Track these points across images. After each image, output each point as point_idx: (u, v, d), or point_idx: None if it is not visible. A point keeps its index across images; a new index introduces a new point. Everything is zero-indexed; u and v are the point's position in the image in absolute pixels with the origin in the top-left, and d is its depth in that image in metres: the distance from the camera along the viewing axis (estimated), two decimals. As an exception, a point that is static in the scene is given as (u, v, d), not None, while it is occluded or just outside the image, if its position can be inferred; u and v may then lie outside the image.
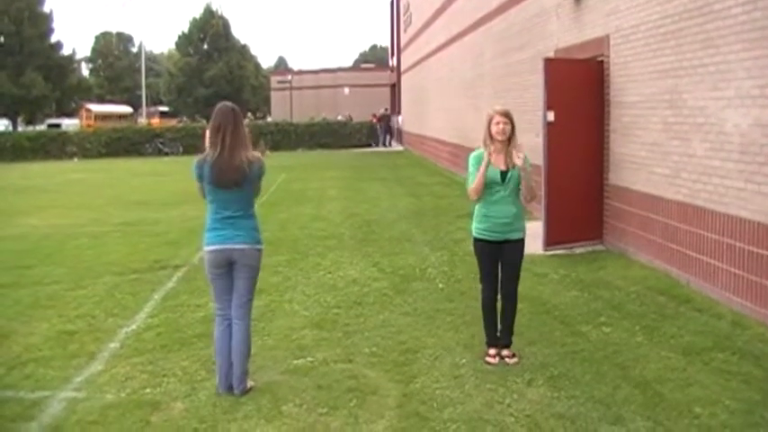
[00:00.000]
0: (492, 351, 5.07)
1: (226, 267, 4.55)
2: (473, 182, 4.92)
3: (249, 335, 4.66)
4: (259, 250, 4.63)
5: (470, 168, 4.98)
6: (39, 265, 8.66)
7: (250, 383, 4.62)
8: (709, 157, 6.61)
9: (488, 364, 4.97)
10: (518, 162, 4.81)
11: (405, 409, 4.27)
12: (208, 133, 4.52)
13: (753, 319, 5.79)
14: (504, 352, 5.07)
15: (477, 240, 5.08)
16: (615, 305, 6.36)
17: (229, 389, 4.56)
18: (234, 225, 4.50)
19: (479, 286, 5.19)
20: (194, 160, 4.53)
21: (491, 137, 4.91)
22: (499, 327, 5.12)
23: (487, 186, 4.90)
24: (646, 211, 7.88)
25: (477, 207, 5.06)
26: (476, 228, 5.07)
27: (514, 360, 5.00)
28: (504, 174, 4.90)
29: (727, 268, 6.32)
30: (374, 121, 38.20)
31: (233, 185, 4.44)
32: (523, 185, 4.93)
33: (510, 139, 4.90)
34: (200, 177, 4.49)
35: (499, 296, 5.12)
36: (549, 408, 4.24)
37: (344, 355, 5.25)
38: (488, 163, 4.83)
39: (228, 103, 4.63)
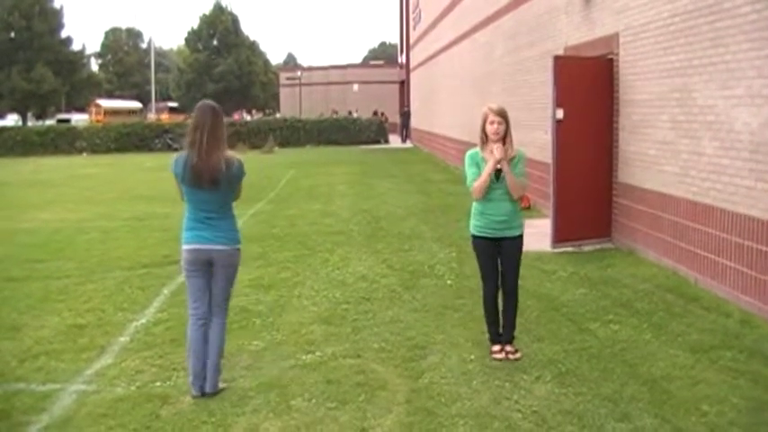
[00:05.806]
0: (496, 348, 5.11)
1: (204, 266, 4.50)
2: (472, 181, 4.94)
3: (224, 334, 4.63)
4: (238, 250, 4.58)
5: (467, 168, 5.01)
6: (49, 260, 8.73)
7: (222, 384, 4.56)
8: (718, 156, 6.60)
9: (495, 359, 5.00)
10: (506, 154, 4.84)
11: (413, 405, 4.29)
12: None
13: (761, 318, 5.79)
14: (507, 348, 5.08)
15: (475, 238, 5.11)
16: (623, 303, 6.36)
17: (201, 390, 4.46)
18: (212, 226, 4.46)
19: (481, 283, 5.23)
20: (173, 158, 4.45)
21: (486, 136, 4.94)
22: (501, 323, 5.14)
23: None
24: (654, 210, 7.87)
25: (473, 205, 5.09)
26: (474, 225, 5.09)
27: (517, 355, 5.02)
28: (498, 172, 4.90)
29: (735, 267, 6.31)
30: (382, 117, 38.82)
31: (210, 185, 4.35)
32: (508, 178, 4.89)
33: (505, 138, 4.91)
34: (179, 177, 4.42)
35: (500, 293, 5.15)
36: (557, 404, 4.25)
37: (353, 350, 5.27)
38: (496, 163, 4.85)
39: (209, 102, 4.53)
